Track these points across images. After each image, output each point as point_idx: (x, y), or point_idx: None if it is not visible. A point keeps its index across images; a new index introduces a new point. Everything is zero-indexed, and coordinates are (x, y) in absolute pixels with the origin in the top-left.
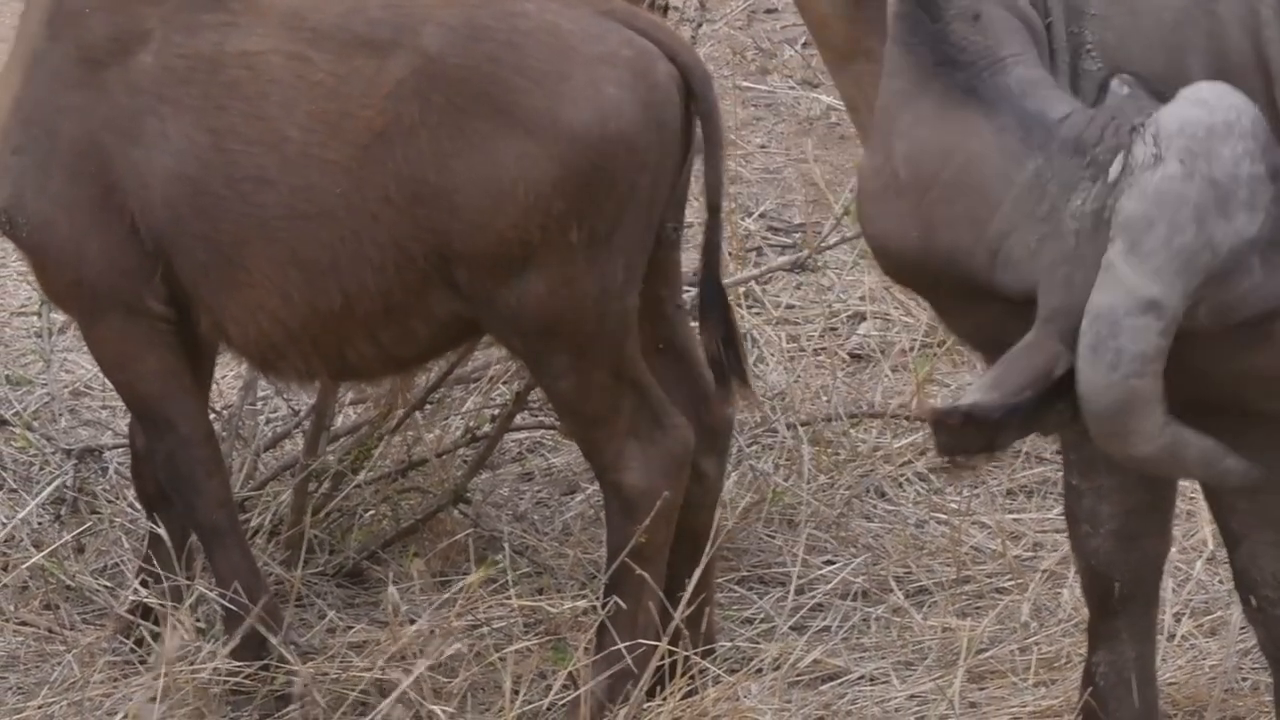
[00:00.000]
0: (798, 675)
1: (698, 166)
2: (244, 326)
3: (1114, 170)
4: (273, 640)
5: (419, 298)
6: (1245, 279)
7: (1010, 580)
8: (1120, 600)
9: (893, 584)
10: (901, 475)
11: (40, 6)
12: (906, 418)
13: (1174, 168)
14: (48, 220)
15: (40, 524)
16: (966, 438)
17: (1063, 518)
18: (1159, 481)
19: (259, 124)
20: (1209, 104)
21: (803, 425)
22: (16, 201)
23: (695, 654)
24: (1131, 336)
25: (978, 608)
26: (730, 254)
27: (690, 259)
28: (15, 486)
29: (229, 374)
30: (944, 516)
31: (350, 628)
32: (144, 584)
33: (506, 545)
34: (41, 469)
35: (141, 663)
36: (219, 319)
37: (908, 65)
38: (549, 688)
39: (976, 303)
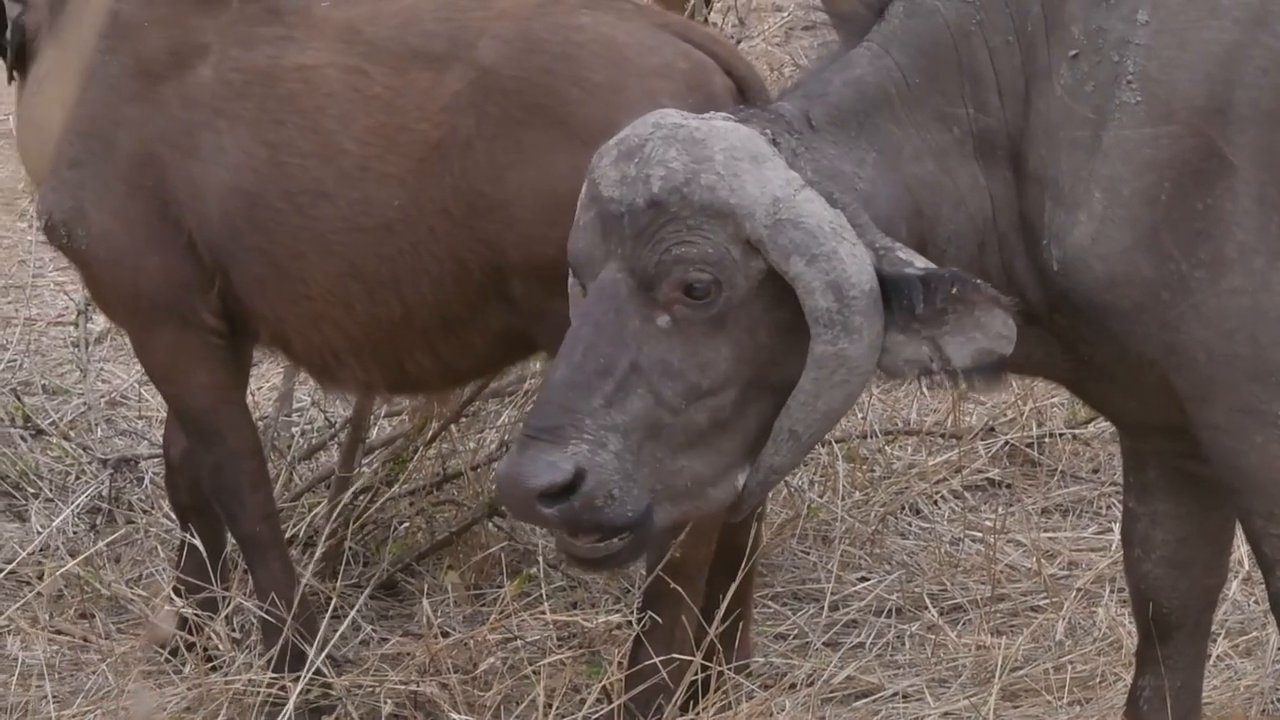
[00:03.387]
0: (831, 691)
1: None
2: (306, 336)
3: None
4: (308, 651)
5: (475, 310)
6: None
7: (1045, 598)
8: (1168, 627)
9: (927, 601)
10: (936, 492)
11: (92, 19)
12: (942, 435)
13: None
14: (107, 232)
15: (76, 533)
16: None
17: (1098, 536)
18: (1215, 512)
19: (315, 137)
20: None
21: (838, 442)
22: (76, 214)
23: (730, 669)
24: None
25: (1012, 626)
26: None
27: None
28: (51, 496)
29: (264, 385)
30: (979, 534)
31: (385, 640)
32: (178, 594)
33: (541, 559)
34: (77, 478)
35: (176, 672)
36: (279, 330)
37: None
38: (583, 701)
39: None
